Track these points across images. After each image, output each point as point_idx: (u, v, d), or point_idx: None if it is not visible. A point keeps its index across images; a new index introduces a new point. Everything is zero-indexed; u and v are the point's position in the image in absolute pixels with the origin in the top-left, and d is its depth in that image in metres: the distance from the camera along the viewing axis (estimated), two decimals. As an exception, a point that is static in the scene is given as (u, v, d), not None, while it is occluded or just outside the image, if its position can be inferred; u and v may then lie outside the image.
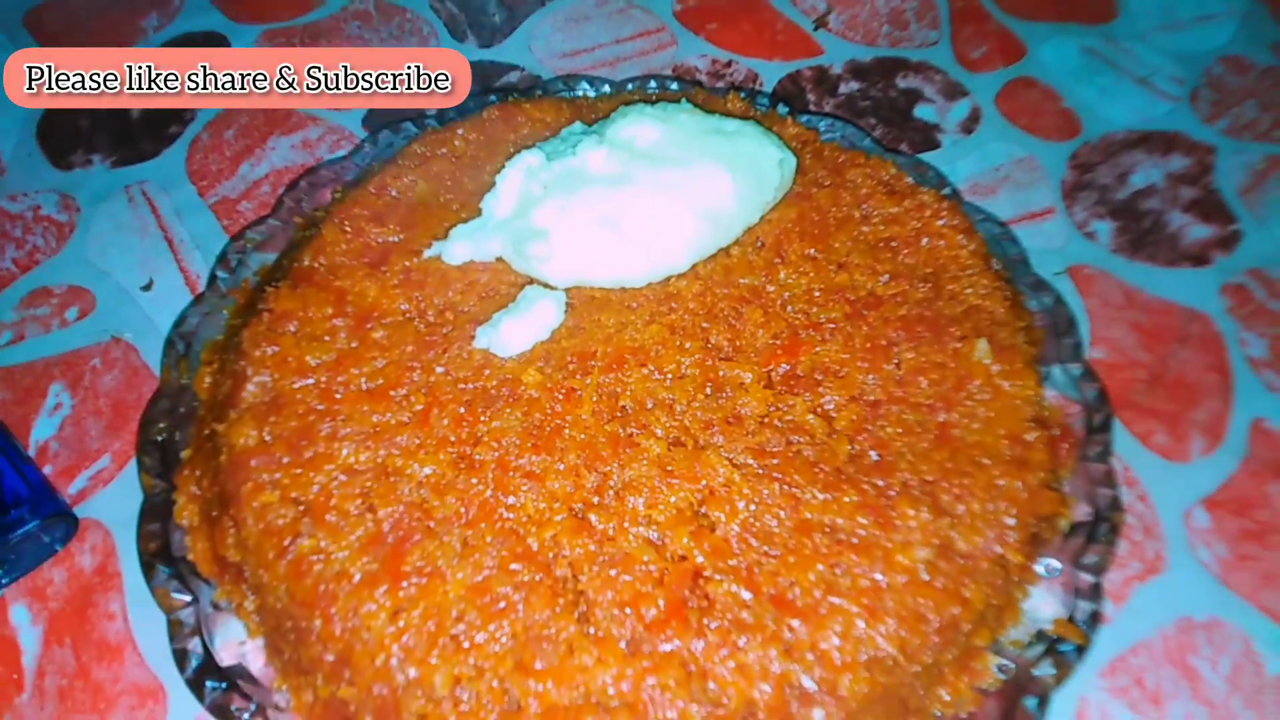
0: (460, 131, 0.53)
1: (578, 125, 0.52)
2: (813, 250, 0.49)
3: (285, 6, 0.75)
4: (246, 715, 0.37)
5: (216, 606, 0.41)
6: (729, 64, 0.72)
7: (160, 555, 0.42)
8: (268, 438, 0.41)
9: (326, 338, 0.44)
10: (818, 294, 0.47)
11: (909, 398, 0.43)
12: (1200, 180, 0.65)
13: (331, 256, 0.47)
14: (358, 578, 0.37)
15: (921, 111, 0.69)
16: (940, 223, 0.50)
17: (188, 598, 0.40)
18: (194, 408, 0.47)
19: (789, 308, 0.46)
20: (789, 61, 0.72)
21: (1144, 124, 0.68)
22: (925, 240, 0.49)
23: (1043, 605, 0.42)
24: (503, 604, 0.36)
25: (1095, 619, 0.40)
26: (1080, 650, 0.40)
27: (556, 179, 0.47)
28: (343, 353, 0.43)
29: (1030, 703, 0.38)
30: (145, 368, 0.54)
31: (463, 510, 0.39)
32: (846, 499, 0.39)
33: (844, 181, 0.52)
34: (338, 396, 0.42)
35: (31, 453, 0.51)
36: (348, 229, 0.48)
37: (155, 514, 0.43)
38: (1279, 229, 0.62)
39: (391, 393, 0.42)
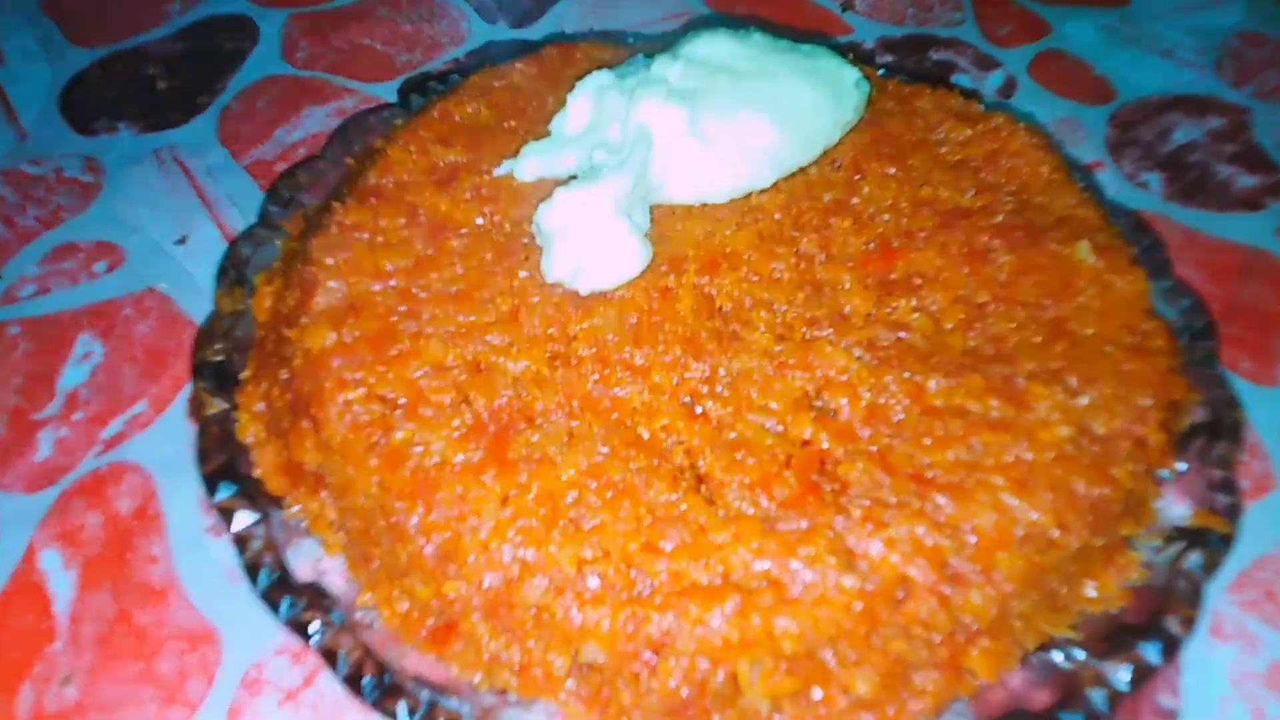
0: (519, 66, 0.52)
1: (640, 57, 0.51)
2: (892, 169, 0.47)
3: (312, -9, 0.74)
4: (329, 632, 0.33)
5: (287, 528, 0.37)
6: (761, 43, 0.72)
7: (221, 474, 0.38)
8: (348, 339, 0.38)
9: (401, 246, 0.41)
10: (904, 206, 0.45)
11: (1015, 296, 0.41)
12: (1239, 137, 0.65)
13: (399, 175, 0.45)
14: (461, 464, 0.33)
15: (958, 79, 0.69)
16: (1018, 142, 0.49)
17: (256, 515, 0.36)
18: (250, 333, 0.43)
19: (878, 218, 0.45)
20: (823, 38, 0.72)
21: (1175, 89, 0.69)
22: (1004, 161, 0.49)
23: (1173, 507, 0.40)
24: (621, 486, 0.33)
25: (1234, 511, 0.38)
26: (1226, 540, 0.37)
27: (630, 92, 0.45)
28: (420, 259, 0.41)
29: (1183, 590, 0.35)
30: (182, 316, 0.51)
31: (565, 402, 0.36)
32: (973, 384, 0.37)
33: (914, 109, 0.51)
34: (420, 297, 0.39)
35: (59, 400, 0.47)
36: (413, 149, 0.46)
37: (213, 435, 0.39)
38: (1324, 178, 0.62)
39: (476, 294, 0.39)
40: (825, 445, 0.35)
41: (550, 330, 0.38)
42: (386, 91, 0.66)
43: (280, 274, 0.44)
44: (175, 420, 0.46)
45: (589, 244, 0.39)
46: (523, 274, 0.40)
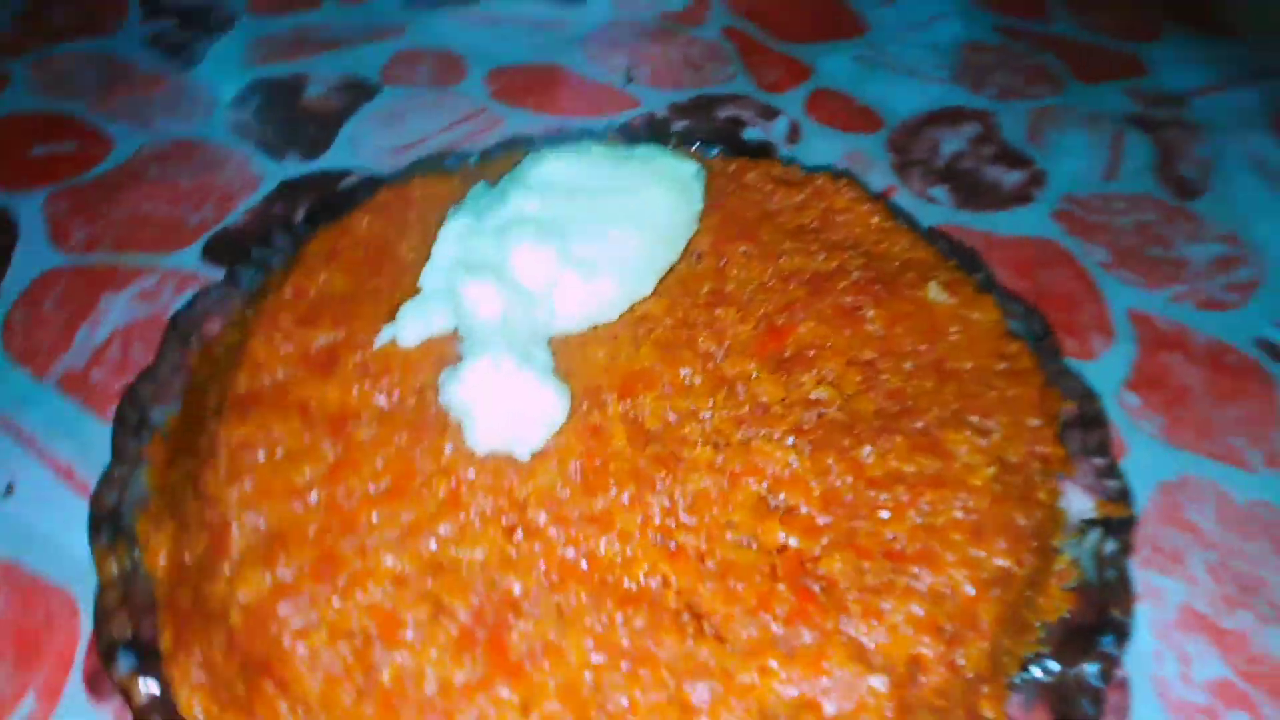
0: (358, 218, 0.50)
1: (482, 185, 0.50)
2: (746, 247, 0.50)
3: (67, 163, 0.67)
4: None
5: (269, 801, 0.34)
6: (560, 131, 0.73)
7: (176, 767, 0.33)
8: (286, 578, 0.34)
9: (307, 454, 0.38)
10: (772, 282, 0.48)
11: (895, 349, 0.45)
12: (993, 139, 0.74)
13: (272, 372, 0.42)
14: (464, 683, 0.32)
15: (750, 134, 0.74)
16: (844, 199, 0.53)
17: (234, 802, 0.33)
18: (150, 592, 0.38)
19: (754, 298, 0.47)
20: (617, 114, 0.74)
21: (929, 106, 0.78)
22: (838, 218, 0.52)
23: (1073, 503, 0.45)
24: (633, 653, 0.33)
25: (1126, 493, 0.44)
26: (1129, 523, 0.42)
27: (496, 234, 0.45)
28: (334, 463, 0.38)
29: (1113, 578, 0.40)
30: (39, 582, 0.44)
31: (541, 577, 0.35)
32: (898, 446, 0.40)
33: (745, 184, 0.54)
34: (349, 507, 0.36)
35: (-87, 728, 0.39)
36: (277, 338, 0.43)
37: (149, 723, 0.35)
38: (1067, 161, 0.72)
39: (408, 486, 0.37)
40: (797, 545, 0.36)
41: (500, 503, 0.37)
42: (188, 258, 0.61)
43: (168, 514, 0.40)
44: (76, 703, 0.40)
45: (508, 407, 0.38)
46: (448, 448, 0.39)
